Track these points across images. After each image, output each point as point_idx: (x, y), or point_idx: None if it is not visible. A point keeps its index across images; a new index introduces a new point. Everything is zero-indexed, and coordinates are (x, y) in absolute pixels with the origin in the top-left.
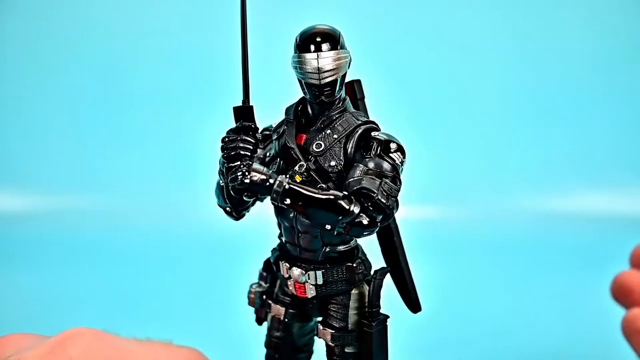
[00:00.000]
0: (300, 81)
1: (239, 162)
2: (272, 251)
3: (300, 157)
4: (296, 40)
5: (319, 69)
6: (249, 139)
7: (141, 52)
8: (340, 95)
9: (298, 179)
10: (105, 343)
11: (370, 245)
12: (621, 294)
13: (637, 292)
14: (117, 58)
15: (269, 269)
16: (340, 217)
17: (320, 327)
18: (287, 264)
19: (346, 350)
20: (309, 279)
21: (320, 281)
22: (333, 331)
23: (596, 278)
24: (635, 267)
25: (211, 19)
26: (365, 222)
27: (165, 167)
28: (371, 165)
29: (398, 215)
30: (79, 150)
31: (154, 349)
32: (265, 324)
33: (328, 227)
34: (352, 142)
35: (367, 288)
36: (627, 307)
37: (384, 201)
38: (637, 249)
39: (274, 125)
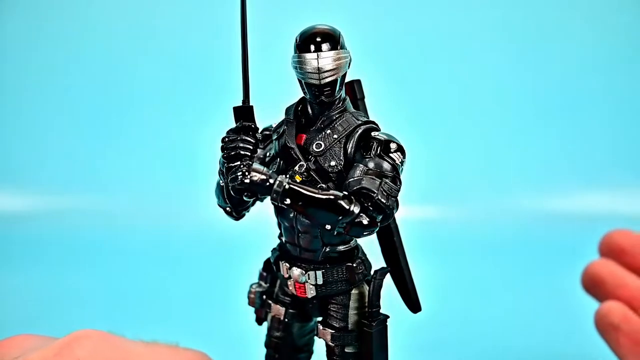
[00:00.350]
0: (300, 81)
1: (239, 162)
2: (272, 251)
3: (300, 157)
4: (296, 40)
5: (319, 69)
6: (249, 139)
7: (141, 52)
8: (340, 95)
9: (298, 179)
10: (111, 345)
11: (370, 245)
12: (592, 285)
13: (610, 282)
14: (117, 58)
15: (269, 269)
16: (340, 217)
17: (320, 327)
18: (287, 264)
19: (346, 350)
20: (309, 279)
21: (320, 281)
22: (333, 331)
23: None
24: (605, 256)
25: (211, 19)
26: (365, 222)
27: (165, 167)
28: (371, 165)
29: (398, 215)
30: (79, 150)
31: (160, 351)
32: (265, 324)
33: (328, 227)
34: (352, 142)
35: (367, 288)
36: (599, 300)
37: (384, 201)
38: (605, 237)
39: (274, 125)
